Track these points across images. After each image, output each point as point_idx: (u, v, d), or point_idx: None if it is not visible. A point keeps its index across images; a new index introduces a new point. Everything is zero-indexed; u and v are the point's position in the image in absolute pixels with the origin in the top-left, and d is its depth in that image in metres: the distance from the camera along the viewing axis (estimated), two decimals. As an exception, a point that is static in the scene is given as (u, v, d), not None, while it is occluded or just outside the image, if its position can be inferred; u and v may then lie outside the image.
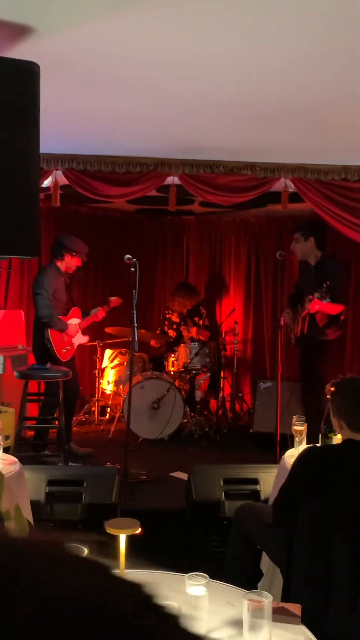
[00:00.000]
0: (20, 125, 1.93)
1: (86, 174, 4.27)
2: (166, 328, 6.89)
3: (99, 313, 5.53)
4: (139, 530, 1.56)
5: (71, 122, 3.49)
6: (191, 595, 1.67)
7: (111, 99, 3.10)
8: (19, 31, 2.07)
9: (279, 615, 1.75)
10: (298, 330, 5.02)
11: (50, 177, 4.30)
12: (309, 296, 4.74)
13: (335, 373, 5.01)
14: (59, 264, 5.16)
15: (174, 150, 4.16)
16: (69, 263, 5.17)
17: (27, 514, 3.21)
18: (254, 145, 4.00)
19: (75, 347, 5.31)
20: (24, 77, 1.94)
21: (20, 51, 2.23)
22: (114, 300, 5.73)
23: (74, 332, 5.26)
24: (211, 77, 2.88)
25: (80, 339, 5.39)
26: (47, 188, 4.53)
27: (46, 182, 4.34)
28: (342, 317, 4.87)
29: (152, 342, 6.78)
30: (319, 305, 4.57)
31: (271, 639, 1.59)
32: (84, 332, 5.47)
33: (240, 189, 4.42)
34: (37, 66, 1.98)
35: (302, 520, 2.44)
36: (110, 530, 1.55)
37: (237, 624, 1.73)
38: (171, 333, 6.83)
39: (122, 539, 1.55)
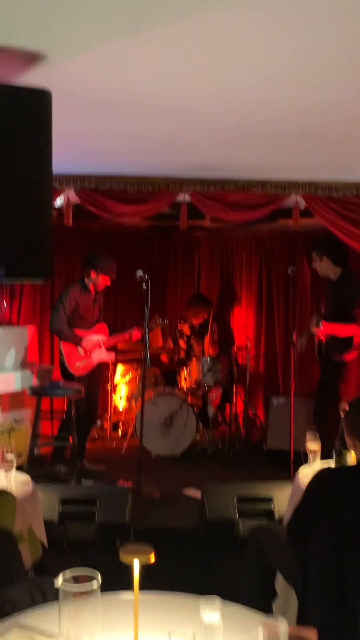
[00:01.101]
0: (33, 151, 1.96)
1: (98, 193, 4.30)
2: (178, 337, 6.88)
3: (134, 332, 5.48)
4: (152, 558, 1.55)
5: (83, 144, 3.53)
6: (206, 622, 1.65)
7: (123, 122, 3.13)
8: (32, 57, 2.10)
9: (295, 640, 1.73)
10: (316, 350, 4.94)
11: (62, 196, 4.34)
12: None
13: (353, 393, 4.97)
14: (86, 281, 5.24)
15: (185, 169, 4.18)
16: (95, 280, 5.22)
17: (41, 534, 3.21)
18: (264, 162, 4.01)
19: (94, 363, 5.30)
20: (36, 104, 1.97)
21: (32, 76, 2.27)
22: (155, 320, 5.76)
23: (92, 346, 5.24)
24: (221, 100, 2.91)
25: (102, 355, 5.37)
26: (59, 207, 4.57)
27: (58, 202, 4.38)
28: (355, 340, 4.68)
29: (163, 357, 6.79)
30: (322, 331, 4.53)
31: (287, 665, 1.57)
32: (110, 350, 5.49)
33: (251, 206, 4.43)
34: (49, 93, 2.01)
35: (317, 542, 2.42)
36: (123, 558, 1.55)
37: (252, 649, 1.70)
38: (182, 344, 6.82)
39: (136, 566, 1.54)
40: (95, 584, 1.54)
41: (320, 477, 2.58)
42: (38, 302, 6.41)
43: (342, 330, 4.58)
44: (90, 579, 1.55)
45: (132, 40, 2.16)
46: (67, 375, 5.16)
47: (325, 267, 4.86)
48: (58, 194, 4.26)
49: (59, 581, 1.54)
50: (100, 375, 5.49)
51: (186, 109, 3.04)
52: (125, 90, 2.73)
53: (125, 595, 1.95)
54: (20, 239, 1.94)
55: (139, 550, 1.56)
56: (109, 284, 5.31)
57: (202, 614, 1.67)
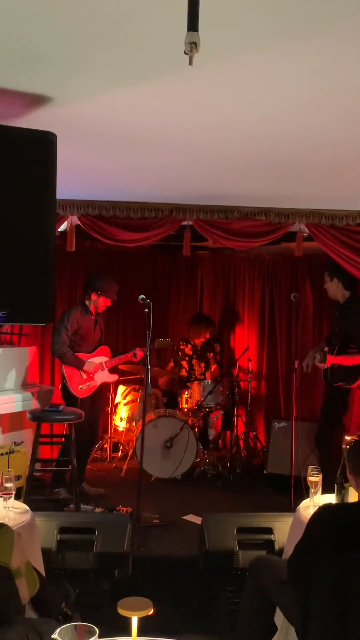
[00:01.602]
0: (37, 193, 1.96)
1: (101, 219, 4.31)
2: (179, 359, 6.87)
3: (137, 352, 5.50)
4: (151, 612, 1.53)
5: (86, 174, 3.54)
6: None
7: (125, 156, 3.15)
8: (38, 100, 2.11)
9: None
10: (311, 369, 4.95)
11: (65, 222, 4.34)
12: (314, 354, 4.72)
13: (357, 420, 4.95)
14: (87, 302, 5.27)
15: (188, 197, 4.20)
16: (96, 302, 5.26)
17: (39, 563, 3.18)
18: (268, 192, 4.02)
19: (97, 384, 5.32)
20: (41, 147, 1.97)
21: (36, 118, 2.28)
22: (160, 342, 5.83)
23: (94, 369, 5.26)
24: (225, 135, 2.93)
25: (105, 376, 5.41)
26: (62, 231, 4.57)
27: (62, 227, 4.39)
28: None
29: (160, 382, 6.79)
30: (323, 366, 4.56)
31: None
32: (112, 371, 5.50)
33: (255, 234, 4.43)
34: (54, 135, 2.01)
35: (317, 581, 2.39)
36: (122, 612, 1.53)
37: None
38: (184, 364, 6.81)
39: (134, 621, 1.52)
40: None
41: (321, 514, 2.56)
42: (40, 322, 6.40)
43: (348, 360, 4.60)
44: (89, 632, 1.53)
45: (136, 85, 2.17)
46: (69, 397, 5.16)
47: (335, 290, 4.90)
48: (61, 220, 4.26)
49: (56, 635, 1.51)
50: (102, 397, 5.50)
51: (190, 143, 3.05)
52: (130, 127, 2.75)
53: (124, 642, 1.92)
54: (23, 284, 1.94)
55: (138, 604, 1.54)
56: (109, 304, 5.35)
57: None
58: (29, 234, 1.95)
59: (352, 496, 3.13)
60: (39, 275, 1.97)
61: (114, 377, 5.58)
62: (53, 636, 1.52)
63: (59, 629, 1.52)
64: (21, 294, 1.94)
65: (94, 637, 1.52)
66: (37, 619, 2.26)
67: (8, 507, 3.21)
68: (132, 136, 2.86)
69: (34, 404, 5.37)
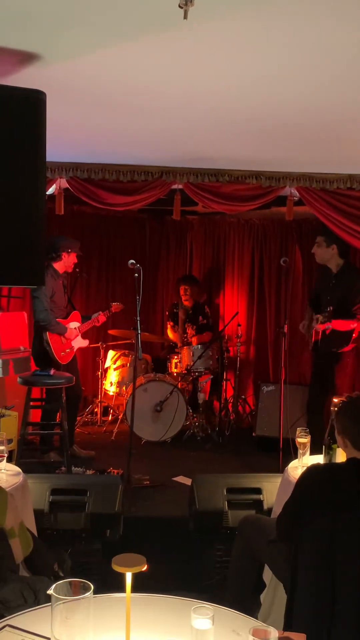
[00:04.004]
0: (26, 153, 1.92)
1: (90, 183, 4.25)
2: (174, 323, 6.89)
3: (99, 317, 5.53)
4: (145, 568, 1.56)
5: (76, 136, 3.48)
6: (197, 629, 1.67)
7: (116, 117, 3.10)
8: (26, 58, 2.06)
9: (284, 645, 1.75)
10: (312, 338, 4.97)
11: (54, 185, 4.28)
12: (316, 315, 4.71)
13: (348, 383, 5.01)
14: (56, 265, 5.16)
15: (178, 160, 4.14)
16: (67, 262, 5.18)
17: (31, 524, 3.22)
18: (259, 155, 3.99)
19: (74, 350, 5.31)
20: (30, 105, 1.93)
21: (26, 76, 2.23)
22: (115, 305, 5.74)
23: (74, 335, 5.26)
24: (216, 97, 2.89)
25: (80, 342, 5.39)
26: (51, 194, 4.51)
27: (50, 190, 4.32)
28: (354, 335, 4.72)
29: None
30: (324, 328, 4.56)
31: (276, 670, 1.59)
32: (84, 336, 5.46)
33: (245, 197, 4.40)
34: (44, 94, 1.97)
35: (307, 539, 2.45)
36: (116, 568, 1.55)
37: (242, 654, 1.73)
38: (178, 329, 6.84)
39: (128, 577, 1.55)
40: (88, 594, 1.54)
41: (310, 474, 2.60)
42: (28, 290, 6.33)
43: (345, 325, 4.62)
44: (84, 588, 1.56)
45: (128, 43, 2.12)
46: (51, 364, 5.12)
47: (329, 256, 4.86)
48: (50, 183, 4.20)
49: (51, 590, 1.54)
50: (76, 362, 5.48)
51: (181, 105, 3.01)
52: (120, 87, 2.70)
53: (117, 597, 1.96)
54: (12, 245, 1.91)
55: (132, 560, 1.57)
56: (76, 261, 5.28)
57: (193, 621, 1.69)
58: (18, 195, 1.92)
59: (339, 457, 3.19)
60: (29, 237, 1.95)
61: (86, 342, 5.54)
62: (48, 592, 1.55)
63: (54, 585, 1.55)
64: (11, 257, 1.92)
65: (88, 593, 1.55)
66: (31, 577, 2.31)
67: (0, 470, 3.24)
68: (122, 97, 2.81)
69: (11, 370, 5.39)
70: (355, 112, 3.09)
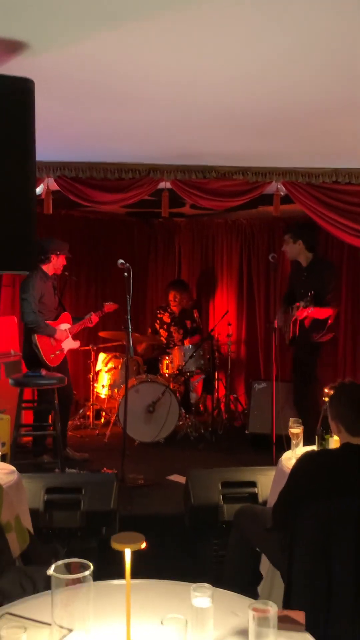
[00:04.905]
0: (15, 141, 1.94)
1: (78, 181, 4.27)
2: (157, 326, 6.91)
3: (92, 318, 5.51)
4: (144, 545, 1.57)
5: (62, 130, 3.50)
6: (196, 607, 1.68)
7: (103, 110, 3.12)
8: (13, 47, 2.07)
9: (284, 623, 1.76)
10: (290, 332, 5.04)
11: (42, 184, 4.30)
12: (296, 303, 4.78)
13: (328, 374, 5.08)
14: (45, 268, 5.15)
15: (166, 156, 4.17)
16: (55, 264, 5.18)
17: (27, 523, 3.21)
18: (245, 150, 4.02)
19: (65, 352, 5.30)
20: (18, 94, 1.94)
21: (11, 66, 2.24)
22: (108, 305, 5.74)
23: (63, 337, 5.24)
24: (202, 90, 2.91)
25: (70, 344, 5.37)
26: (39, 195, 4.51)
27: (38, 190, 4.33)
28: (329, 322, 4.85)
29: (139, 349, 6.79)
30: (305, 313, 4.64)
31: (277, 647, 1.60)
32: (74, 337, 5.45)
33: (232, 193, 4.44)
34: (32, 82, 1.99)
35: (302, 525, 2.46)
36: (115, 546, 1.56)
37: (242, 633, 1.74)
38: (162, 333, 6.85)
39: (128, 554, 1.56)
40: (88, 573, 1.55)
41: (304, 459, 2.62)
42: (17, 292, 6.33)
43: (320, 312, 4.74)
44: (83, 567, 1.56)
45: (115, 32, 2.14)
46: (41, 366, 5.10)
47: (297, 251, 5.04)
48: (38, 182, 4.21)
49: (51, 570, 1.55)
50: (67, 363, 5.46)
51: (167, 98, 3.03)
52: (108, 81, 2.72)
53: (117, 583, 1.97)
54: (3, 230, 1.92)
55: (130, 538, 1.57)
56: (65, 263, 5.28)
57: (193, 599, 1.69)
58: (8, 180, 1.93)
59: (333, 447, 3.20)
60: (20, 223, 1.95)
61: (77, 344, 5.52)
62: (48, 572, 1.55)
63: (53, 565, 1.55)
64: (2, 242, 1.93)
65: (88, 571, 1.56)
66: (29, 567, 2.31)
67: (-5, 468, 3.23)
68: (110, 88, 2.82)
69: (2, 374, 5.38)
70: (340, 104, 3.13)
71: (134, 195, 4.36)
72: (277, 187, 4.51)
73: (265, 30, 2.25)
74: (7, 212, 1.93)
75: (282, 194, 4.57)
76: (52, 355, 5.13)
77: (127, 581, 1.58)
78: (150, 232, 7.73)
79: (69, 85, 2.72)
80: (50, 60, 2.32)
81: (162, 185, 4.52)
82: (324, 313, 4.77)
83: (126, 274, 4.60)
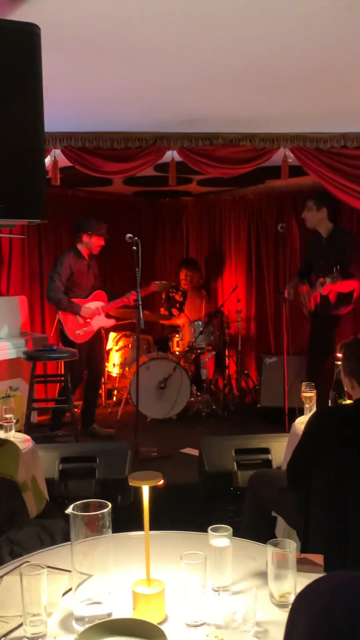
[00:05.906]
0: (23, 88, 1.93)
1: (85, 151, 4.26)
2: (169, 307, 6.90)
3: (130, 296, 5.51)
4: (161, 482, 1.57)
5: (67, 94, 3.47)
6: (215, 547, 1.68)
7: (109, 68, 3.09)
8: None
9: (302, 565, 1.77)
10: (311, 306, 4.97)
11: (48, 156, 4.29)
12: (320, 279, 4.69)
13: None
14: (79, 247, 5.29)
15: (172, 124, 4.15)
16: (89, 244, 5.27)
17: (43, 487, 3.23)
18: (252, 115, 3.99)
19: (94, 329, 5.35)
20: (24, 39, 1.93)
21: (16, 16, 2.22)
22: (155, 284, 5.77)
23: (91, 314, 5.28)
24: (208, 46, 2.87)
25: (102, 321, 5.45)
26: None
27: (46, 160, 4.32)
28: (355, 295, 4.75)
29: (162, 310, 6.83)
30: (332, 288, 4.56)
31: (296, 587, 1.60)
32: (109, 316, 5.58)
33: (240, 160, 4.41)
34: (38, 27, 1.97)
35: (317, 481, 2.46)
36: (133, 483, 1.57)
37: (261, 575, 1.75)
38: (174, 312, 6.84)
39: (145, 490, 1.56)
40: (106, 510, 1.55)
41: (318, 416, 2.62)
42: (27, 272, 6.36)
43: (345, 286, 4.62)
44: (101, 506, 1.57)
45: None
46: (67, 343, 5.19)
47: (319, 220, 4.89)
48: (45, 153, 4.20)
49: (70, 509, 1.55)
50: (102, 341, 5.54)
51: (173, 54, 3.00)
52: (112, 34, 2.69)
53: (135, 534, 1.98)
54: (14, 179, 1.91)
55: (148, 475, 1.58)
56: (103, 244, 5.35)
57: (212, 539, 1.70)
58: (16, 127, 1.92)
59: (347, 406, 3.19)
60: (30, 172, 1.94)
61: (111, 322, 5.64)
62: (67, 511, 1.55)
63: (72, 504, 1.56)
64: (13, 191, 1.92)
65: (106, 509, 1.56)
66: (47, 520, 2.31)
67: (10, 437, 3.24)
68: (112, 43, 2.79)
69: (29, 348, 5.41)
70: (350, 60, 3.09)
71: (141, 164, 4.34)
72: (284, 153, 4.47)
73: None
74: (17, 162, 1.93)
75: (290, 161, 4.53)
76: (78, 332, 5.20)
77: (145, 517, 1.58)
78: (157, 212, 7.71)
79: (71, 39, 2.69)
80: (52, 11, 2.29)
81: (168, 157, 4.50)
82: (349, 286, 4.65)
83: (134, 248, 4.60)
